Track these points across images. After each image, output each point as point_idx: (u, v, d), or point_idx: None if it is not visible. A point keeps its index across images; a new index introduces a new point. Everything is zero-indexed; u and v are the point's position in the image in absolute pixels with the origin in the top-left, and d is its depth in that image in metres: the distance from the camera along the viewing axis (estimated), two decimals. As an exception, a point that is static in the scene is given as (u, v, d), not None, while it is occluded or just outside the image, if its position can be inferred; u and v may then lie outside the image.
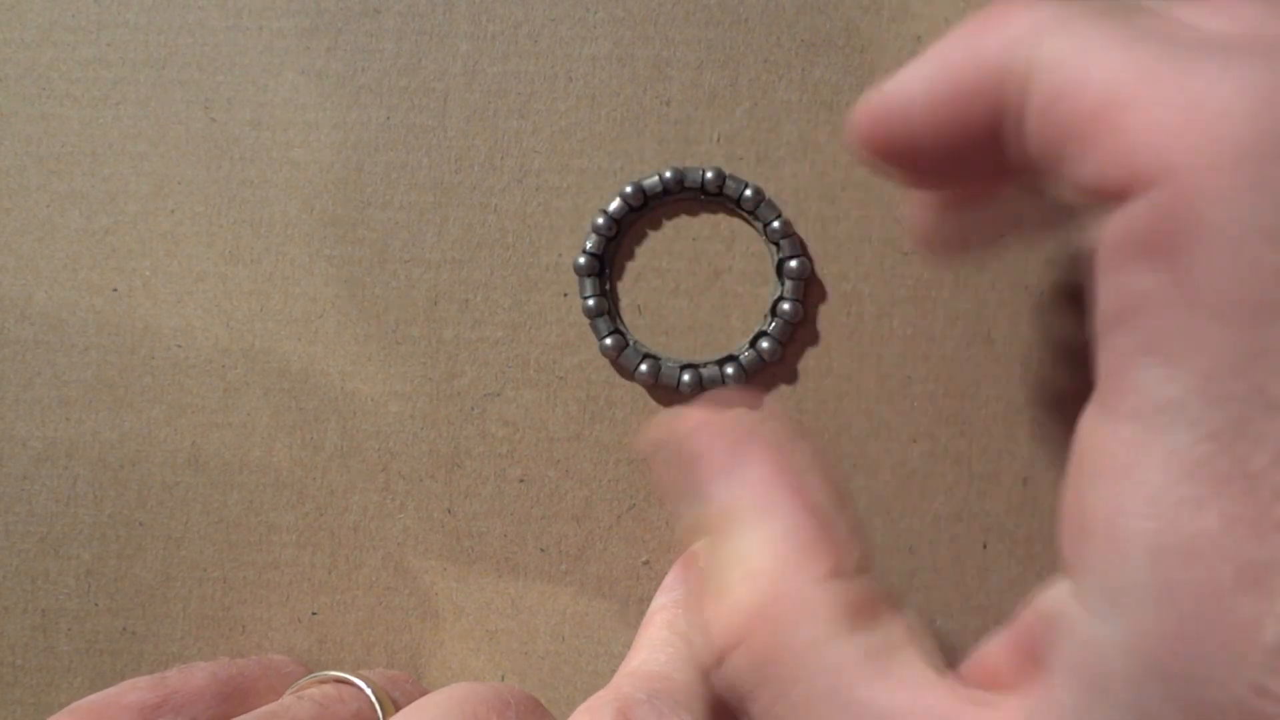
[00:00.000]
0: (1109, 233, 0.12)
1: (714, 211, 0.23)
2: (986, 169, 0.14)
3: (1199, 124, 0.11)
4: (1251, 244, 0.11)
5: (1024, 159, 0.13)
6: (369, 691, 0.20)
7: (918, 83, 0.14)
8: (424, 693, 0.21)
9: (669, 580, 0.20)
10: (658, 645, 0.18)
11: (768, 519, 0.16)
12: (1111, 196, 0.12)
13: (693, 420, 0.17)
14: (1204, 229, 0.11)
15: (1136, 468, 0.12)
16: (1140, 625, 0.12)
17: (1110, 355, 0.12)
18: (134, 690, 0.19)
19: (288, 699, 0.20)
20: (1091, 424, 0.12)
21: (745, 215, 0.22)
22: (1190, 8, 0.13)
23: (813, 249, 0.22)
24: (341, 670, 0.21)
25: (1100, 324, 0.12)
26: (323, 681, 0.20)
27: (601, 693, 0.17)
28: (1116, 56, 0.12)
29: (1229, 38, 0.12)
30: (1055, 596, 0.14)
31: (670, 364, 0.22)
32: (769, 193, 0.22)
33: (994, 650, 0.15)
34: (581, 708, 0.16)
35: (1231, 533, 0.11)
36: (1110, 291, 0.12)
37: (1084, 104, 0.12)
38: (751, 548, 0.16)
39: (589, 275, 0.22)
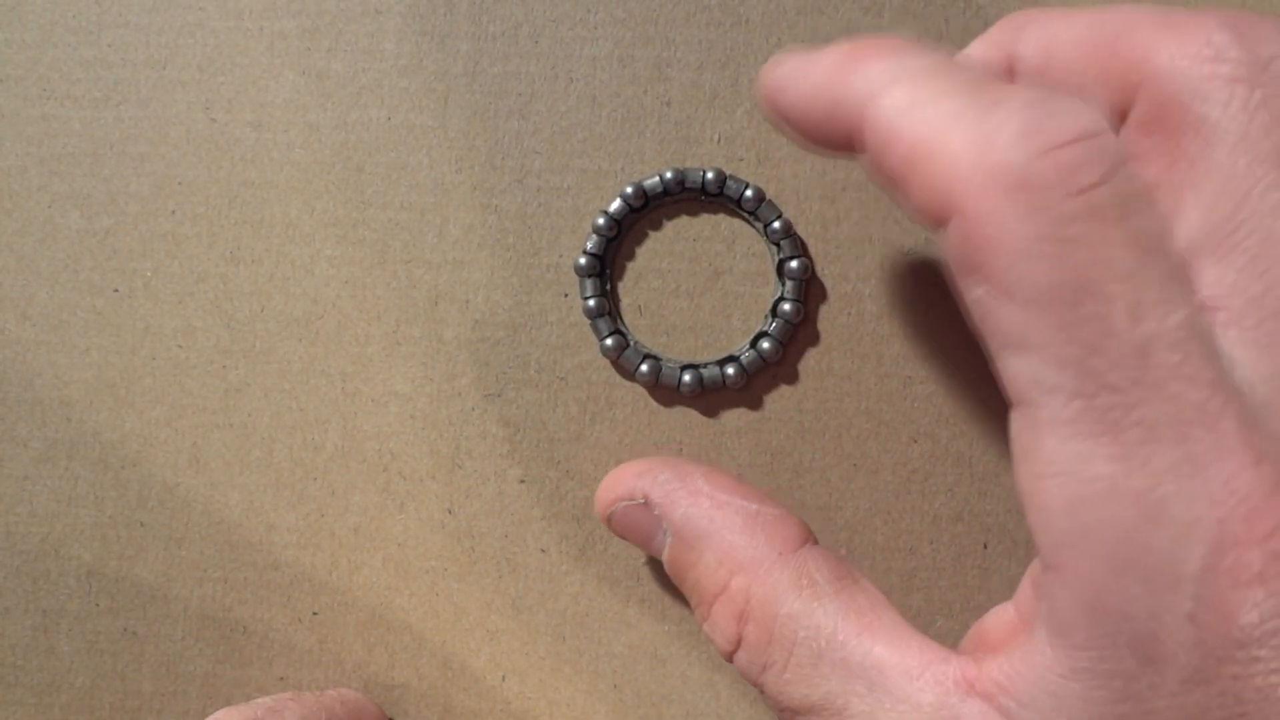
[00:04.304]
0: (947, 259, 0.15)
1: (714, 212, 0.23)
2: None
3: (977, 163, 0.14)
4: (1032, 248, 0.13)
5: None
6: None
7: (791, 87, 0.17)
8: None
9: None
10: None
11: (705, 539, 0.19)
12: (932, 223, 0.15)
13: (624, 479, 0.20)
14: (994, 245, 0.14)
15: (1035, 442, 0.14)
16: (1076, 574, 0.14)
17: (993, 358, 0.15)
18: None
19: None
20: (1011, 422, 0.15)
21: (746, 216, 0.22)
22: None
23: (813, 249, 0.22)
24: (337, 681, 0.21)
25: (978, 336, 0.15)
26: None
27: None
28: (924, 114, 0.15)
29: (1003, 90, 0.14)
30: (1034, 568, 0.16)
31: (671, 364, 0.22)
32: (769, 193, 0.22)
33: (990, 623, 0.17)
34: None
35: (1123, 472, 0.13)
36: (968, 307, 0.15)
37: (899, 156, 0.15)
38: (708, 569, 0.19)
39: (589, 276, 0.22)
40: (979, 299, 0.14)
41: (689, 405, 0.23)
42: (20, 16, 0.23)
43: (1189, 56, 0.15)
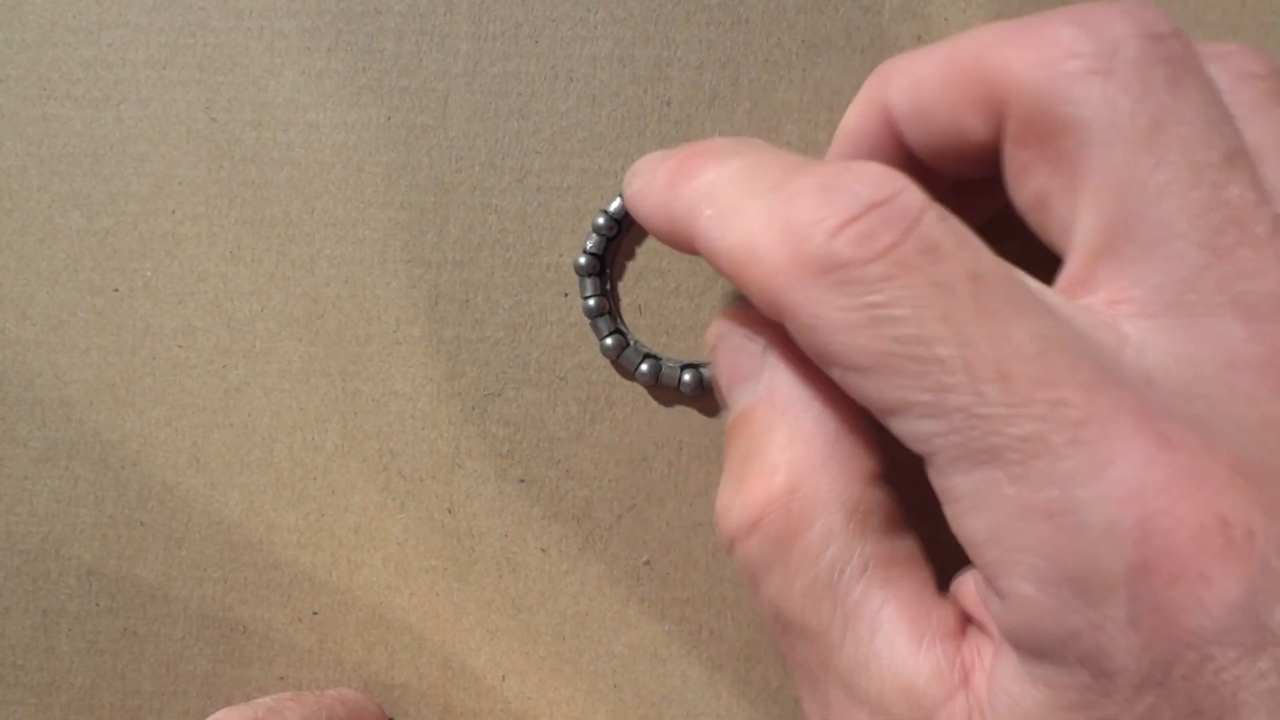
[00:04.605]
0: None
1: (714, 212, 0.23)
2: None
3: (785, 259, 0.15)
4: (851, 321, 0.14)
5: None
6: None
7: (639, 205, 0.18)
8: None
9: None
10: None
11: (794, 416, 0.17)
12: (777, 320, 0.15)
13: (748, 319, 0.19)
14: (822, 330, 0.15)
15: (945, 484, 0.15)
16: (1016, 599, 0.14)
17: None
18: None
19: None
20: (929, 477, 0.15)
21: (746, 215, 0.22)
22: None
23: (813, 249, 0.22)
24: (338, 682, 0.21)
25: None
26: None
27: None
28: (735, 224, 0.15)
29: (801, 180, 0.15)
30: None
31: (671, 364, 0.22)
32: (769, 193, 0.22)
33: (963, 586, 0.17)
34: None
35: (1027, 490, 0.13)
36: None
37: (726, 268, 0.16)
38: (776, 443, 0.17)
39: (589, 275, 0.22)
40: (840, 380, 0.15)
41: (689, 405, 0.23)
42: (20, 16, 0.23)
43: (1041, 62, 0.15)
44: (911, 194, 0.15)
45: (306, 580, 0.23)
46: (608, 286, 0.23)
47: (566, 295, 0.23)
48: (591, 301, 0.22)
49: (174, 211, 0.23)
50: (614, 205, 0.22)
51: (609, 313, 0.22)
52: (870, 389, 0.15)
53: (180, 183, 0.23)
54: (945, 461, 0.14)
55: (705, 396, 0.23)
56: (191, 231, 0.23)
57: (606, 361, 0.23)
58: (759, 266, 0.15)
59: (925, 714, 0.15)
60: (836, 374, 0.15)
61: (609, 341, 0.22)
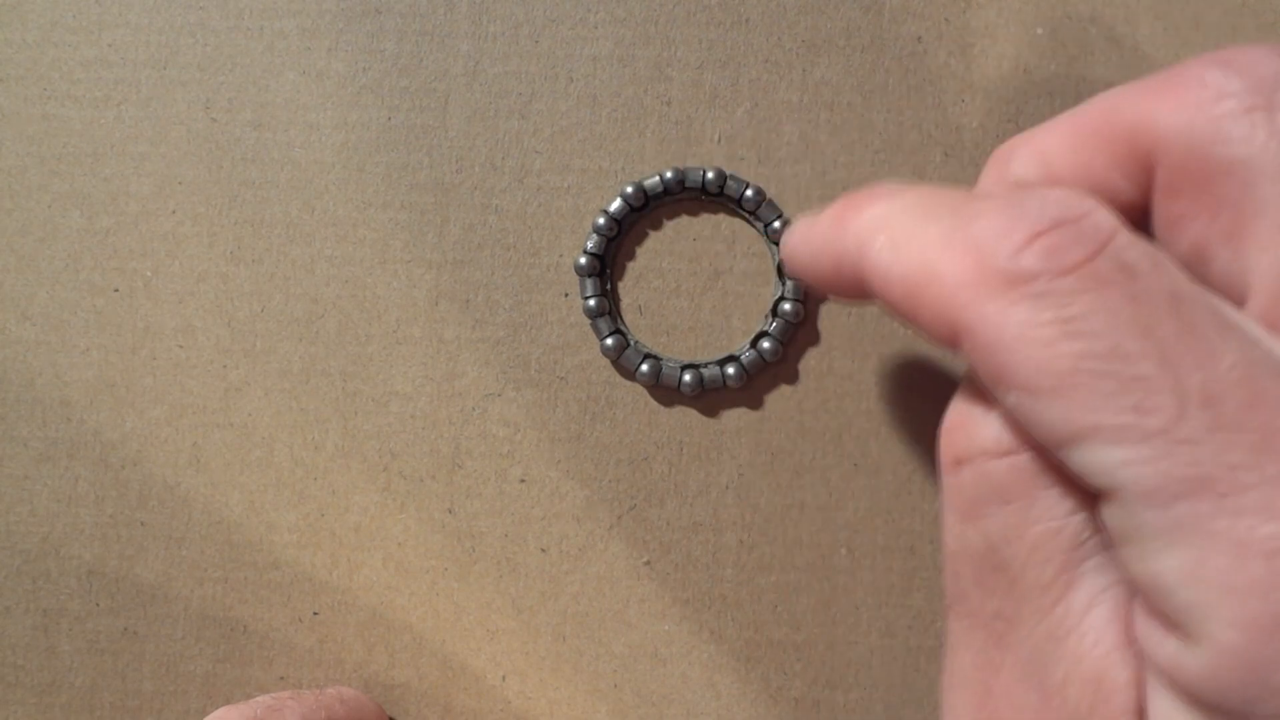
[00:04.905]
0: (978, 379, 0.15)
1: (715, 212, 0.23)
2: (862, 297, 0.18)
3: (967, 277, 0.14)
4: (1039, 335, 0.13)
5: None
6: None
7: (801, 251, 0.18)
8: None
9: None
10: None
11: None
12: (952, 347, 0.15)
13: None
14: (1005, 345, 0.14)
15: (1132, 521, 0.13)
16: (1213, 645, 0.13)
17: (1059, 461, 0.14)
18: None
19: None
20: (1103, 515, 0.14)
21: (746, 215, 0.22)
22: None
23: (813, 249, 0.22)
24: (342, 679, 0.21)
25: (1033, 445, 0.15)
26: None
27: None
28: (910, 251, 0.15)
29: (979, 203, 0.15)
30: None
31: (671, 364, 0.22)
32: (770, 193, 0.22)
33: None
34: None
35: (1234, 525, 0.12)
36: (1017, 421, 0.15)
37: (899, 296, 0.15)
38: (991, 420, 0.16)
39: (590, 275, 0.22)
40: (1016, 406, 0.14)
41: (689, 405, 0.23)
42: (20, 16, 0.23)
43: (1192, 105, 0.14)
44: (1103, 213, 0.14)
45: (306, 580, 0.23)
46: (608, 286, 0.23)
47: (567, 295, 0.23)
48: (592, 301, 0.22)
49: (174, 211, 0.23)
50: (614, 205, 0.22)
51: (609, 313, 0.22)
52: (1052, 414, 0.13)
53: (180, 183, 0.23)
54: (1136, 494, 0.13)
55: (705, 396, 0.23)
56: (192, 231, 0.23)
57: (606, 361, 0.23)
58: (937, 286, 0.14)
59: (1098, 716, 0.14)
60: (1012, 400, 0.14)
61: (609, 341, 0.22)
